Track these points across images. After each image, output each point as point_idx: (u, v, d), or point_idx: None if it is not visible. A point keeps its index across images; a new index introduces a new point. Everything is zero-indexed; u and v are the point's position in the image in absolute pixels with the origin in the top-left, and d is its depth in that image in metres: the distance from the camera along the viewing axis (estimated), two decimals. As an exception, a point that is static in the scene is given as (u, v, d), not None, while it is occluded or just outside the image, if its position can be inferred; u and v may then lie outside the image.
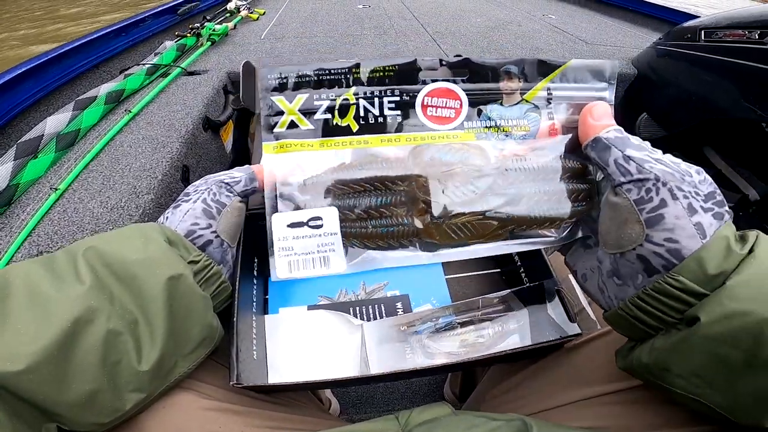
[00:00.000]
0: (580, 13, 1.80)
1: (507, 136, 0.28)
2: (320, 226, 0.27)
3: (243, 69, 0.57)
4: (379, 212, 0.27)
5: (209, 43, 1.23)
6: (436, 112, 0.27)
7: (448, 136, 0.27)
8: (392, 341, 0.36)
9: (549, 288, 0.36)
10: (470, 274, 0.44)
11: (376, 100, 0.26)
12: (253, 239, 0.38)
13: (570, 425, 0.31)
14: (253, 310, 0.36)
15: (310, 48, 1.25)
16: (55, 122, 0.72)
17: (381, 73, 0.26)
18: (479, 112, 0.28)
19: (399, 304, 0.41)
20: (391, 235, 0.27)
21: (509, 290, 0.38)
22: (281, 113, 0.26)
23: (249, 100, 0.59)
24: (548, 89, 0.28)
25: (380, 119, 0.27)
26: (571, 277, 0.34)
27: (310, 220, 0.27)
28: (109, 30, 1.12)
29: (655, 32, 1.48)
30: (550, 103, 0.28)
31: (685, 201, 0.22)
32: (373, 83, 0.26)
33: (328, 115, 0.26)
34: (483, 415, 0.27)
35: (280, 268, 0.27)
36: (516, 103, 0.28)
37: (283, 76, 0.26)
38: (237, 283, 0.33)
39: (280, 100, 0.26)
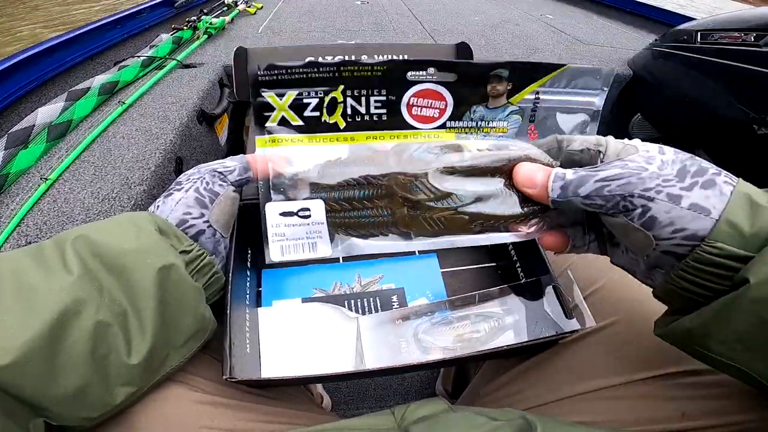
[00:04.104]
0: (577, 14, 1.81)
1: (485, 136, 0.29)
2: (308, 216, 0.29)
3: (235, 53, 0.56)
4: (362, 204, 0.29)
5: (206, 36, 1.21)
6: (420, 112, 0.28)
7: (430, 135, 0.29)
8: (388, 335, 0.35)
9: (545, 284, 0.35)
10: (466, 267, 0.44)
11: (363, 99, 0.28)
12: (247, 230, 0.37)
13: (568, 420, 0.31)
14: (246, 302, 0.36)
15: (308, 43, 1.24)
16: (46, 113, 0.71)
17: (369, 73, 0.27)
18: (463, 113, 0.29)
19: (394, 298, 0.40)
20: (372, 225, 0.29)
21: (505, 285, 0.38)
22: (273, 109, 0.27)
23: (242, 86, 0.58)
24: (537, 92, 0.28)
25: (366, 117, 0.28)
26: (569, 272, 0.34)
27: (299, 210, 0.29)
28: (104, 22, 1.11)
29: (651, 34, 1.48)
30: (536, 107, 0.29)
31: (661, 194, 0.22)
32: (361, 83, 0.27)
33: (317, 113, 0.28)
34: (482, 413, 0.26)
35: (273, 252, 0.30)
36: (501, 106, 0.29)
37: (272, 72, 0.26)
38: (230, 275, 0.32)
39: (271, 97, 0.27)
